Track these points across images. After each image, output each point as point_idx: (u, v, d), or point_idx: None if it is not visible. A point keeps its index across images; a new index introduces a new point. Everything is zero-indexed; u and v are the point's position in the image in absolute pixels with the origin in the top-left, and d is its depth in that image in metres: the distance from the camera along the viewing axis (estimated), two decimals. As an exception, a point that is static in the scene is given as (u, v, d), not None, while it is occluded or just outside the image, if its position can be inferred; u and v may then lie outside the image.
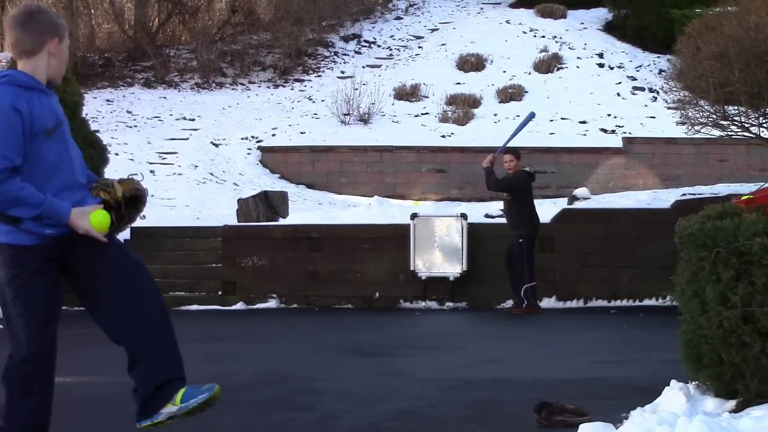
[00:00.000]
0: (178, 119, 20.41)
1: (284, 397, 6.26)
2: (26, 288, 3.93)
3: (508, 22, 24.83)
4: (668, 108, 14.69)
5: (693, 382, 5.06)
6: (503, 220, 12.35)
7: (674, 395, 5.00)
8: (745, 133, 12.50)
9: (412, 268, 12.53)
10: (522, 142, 17.79)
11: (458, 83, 21.17)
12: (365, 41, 24.82)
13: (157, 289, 4.14)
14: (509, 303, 11.97)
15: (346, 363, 7.89)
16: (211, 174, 18.05)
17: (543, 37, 23.60)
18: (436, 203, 17.09)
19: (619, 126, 19.04)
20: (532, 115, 12.55)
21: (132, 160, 18.02)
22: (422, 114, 19.95)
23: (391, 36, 25.12)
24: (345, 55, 24.14)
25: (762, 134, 12.46)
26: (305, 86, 22.41)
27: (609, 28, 24.36)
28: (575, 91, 20.57)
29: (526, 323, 10.92)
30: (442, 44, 23.65)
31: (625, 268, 12.43)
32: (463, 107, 19.78)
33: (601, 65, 22.04)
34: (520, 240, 11.54)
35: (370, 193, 17.25)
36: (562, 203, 14.91)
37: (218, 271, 13.05)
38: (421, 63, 22.69)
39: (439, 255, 12.56)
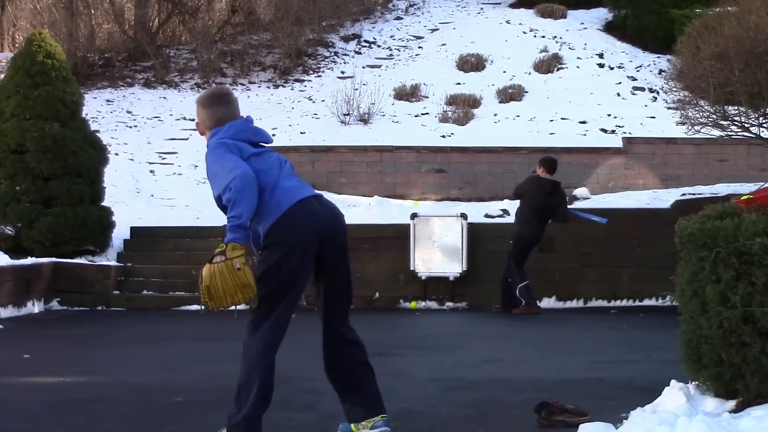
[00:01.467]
0: (178, 119, 20.40)
1: (284, 397, 6.26)
2: None
3: (508, 22, 24.83)
4: (668, 108, 14.69)
5: (693, 382, 5.06)
6: (503, 220, 12.38)
7: (674, 395, 5.01)
8: (745, 133, 12.49)
9: (412, 268, 12.53)
10: (522, 142, 17.83)
11: (458, 83, 21.17)
12: (365, 41, 24.81)
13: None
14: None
15: (346, 363, 7.87)
16: (211, 174, 18.05)
17: (543, 37, 23.59)
18: (436, 203, 17.08)
19: (619, 126, 19.03)
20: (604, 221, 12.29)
21: (132, 160, 18.03)
22: (422, 114, 19.94)
23: (391, 36, 25.11)
24: (345, 55, 24.13)
25: (762, 134, 12.46)
26: (305, 86, 22.41)
27: (609, 28, 24.36)
28: (575, 91, 20.56)
29: (526, 323, 10.92)
30: (442, 44, 23.65)
31: (625, 268, 12.44)
32: (463, 107, 19.77)
33: (601, 65, 22.04)
34: (511, 241, 11.62)
35: (370, 193, 17.25)
36: (562, 203, 14.90)
37: (218, 271, 13.04)
38: (421, 63, 22.68)
39: (439, 255, 12.57)
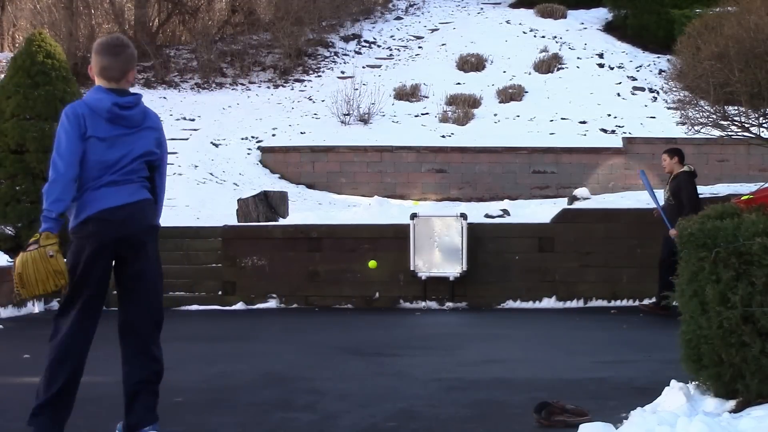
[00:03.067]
0: (178, 119, 20.41)
1: (284, 397, 6.26)
2: None
3: (508, 22, 24.84)
4: (668, 108, 14.69)
5: (693, 382, 5.06)
6: (503, 220, 12.36)
7: (674, 395, 5.01)
8: (745, 133, 12.49)
9: (412, 268, 12.53)
10: (522, 142, 17.85)
11: (458, 83, 21.17)
12: (365, 41, 24.82)
13: None
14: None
15: (346, 363, 7.89)
16: (211, 174, 18.06)
17: (543, 37, 23.60)
18: (436, 203, 17.09)
19: (619, 126, 19.04)
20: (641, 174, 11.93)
21: (132, 160, 18.01)
22: (422, 114, 19.94)
23: (391, 36, 25.12)
24: (345, 55, 24.14)
25: (762, 134, 12.46)
26: (305, 86, 22.41)
27: (609, 28, 24.37)
28: (575, 91, 20.57)
29: (526, 323, 10.92)
30: (442, 44, 23.65)
31: (625, 268, 12.43)
32: (463, 107, 19.78)
33: (601, 65, 22.04)
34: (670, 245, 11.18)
35: (370, 193, 17.26)
36: (562, 203, 14.91)
37: (218, 271, 13.05)
38: (421, 63, 22.69)
39: (439, 255, 12.56)
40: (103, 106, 4.72)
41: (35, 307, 12.13)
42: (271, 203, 14.14)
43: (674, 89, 13.03)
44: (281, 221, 13.78)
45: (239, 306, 12.68)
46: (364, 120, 19.52)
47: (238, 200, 14.40)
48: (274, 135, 19.30)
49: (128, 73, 4.84)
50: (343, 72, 22.69)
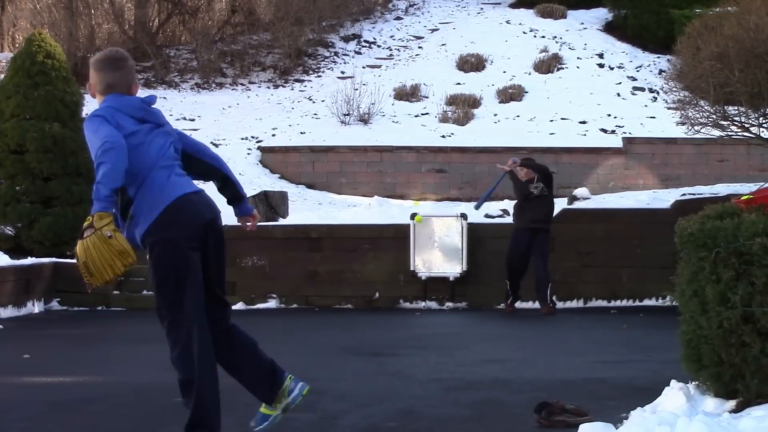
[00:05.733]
0: (178, 119, 20.40)
1: (284, 397, 6.25)
2: None
3: (508, 22, 24.83)
4: (668, 108, 14.69)
5: (693, 382, 5.06)
6: (503, 220, 12.36)
7: (674, 395, 5.00)
8: (745, 133, 12.50)
9: (412, 268, 12.53)
10: (522, 143, 17.83)
11: (458, 83, 21.17)
12: (365, 41, 24.82)
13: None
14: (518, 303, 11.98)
15: (346, 363, 7.89)
16: (211, 174, 18.05)
17: (543, 37, 23.60)
18: (436, 203, 17.09)
19: (619, 126, 19.04)
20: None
21: (132, 160, 18.02)
22: (422, 114, 19.94)
23: (391, 36, 25.12)
24: (345, 55, 24.14)
25: (762, 134, 12.46)
26: (305, 86, 22.41)
27: (609, 28, 24.37)
28: (575, 91, 20.57)
29: (526, 323, 10.92)
30: (442, 44, 23.65)
31: (625, 268, 12.43)
32: (463, 107, 19.78)
33: (601, 65, 22.04)
34: (546, 242, 11.59)
35: (370, 193, 17.26)
36: (562, 203, 14.89)
37: (218, 271, 13.04)
38: (421, 63, 22.69)
39: (439, 255, 12.56)
40: (131, 103, 4.62)
41: (35, 307, 12.12)
42: (271, 203, 14.14)
43: (674, 89, 13.03)
44: (281, 221, 13.78)
45: (239, 306, 12.66)
46: (364, 120, 19.52)
47: (238, 200, 14.37)
48: (274, 135, 19.30)
49: (132, 86, 4.77)
50: (343, 72, 22.69)
